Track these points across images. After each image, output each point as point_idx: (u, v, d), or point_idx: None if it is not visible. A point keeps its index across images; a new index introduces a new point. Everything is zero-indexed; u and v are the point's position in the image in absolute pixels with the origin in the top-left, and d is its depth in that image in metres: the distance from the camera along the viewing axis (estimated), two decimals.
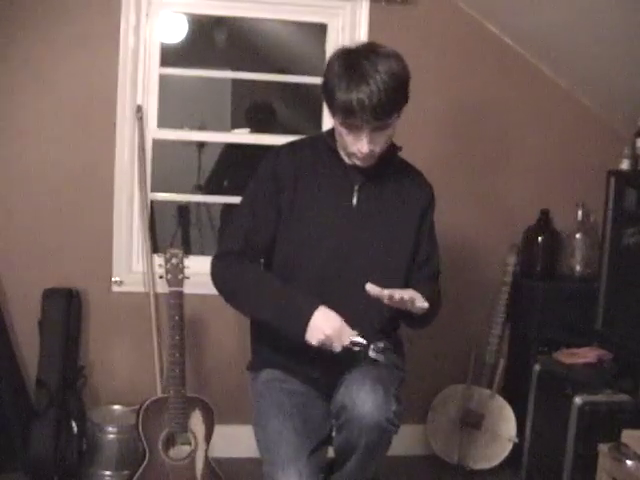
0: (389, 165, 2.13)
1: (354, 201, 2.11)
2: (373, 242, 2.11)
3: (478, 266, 3.33)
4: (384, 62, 1.92)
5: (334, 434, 2.03)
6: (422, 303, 1.97)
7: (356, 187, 2.11)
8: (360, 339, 1.92)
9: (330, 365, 2.06)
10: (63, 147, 3.02)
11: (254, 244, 2.10)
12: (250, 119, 4.57)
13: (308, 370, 2.12)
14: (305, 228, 2.08)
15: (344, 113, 1.94)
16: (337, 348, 1.91)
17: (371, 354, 1.92)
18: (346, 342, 1.91)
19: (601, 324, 3.11)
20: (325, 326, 1.90)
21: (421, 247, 2.19)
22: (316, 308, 1.93)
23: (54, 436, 2.81)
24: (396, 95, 1.93)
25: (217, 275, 2.11)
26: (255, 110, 4.54)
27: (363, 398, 1.89)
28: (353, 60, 1.94)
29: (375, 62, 1.91)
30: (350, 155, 2.06)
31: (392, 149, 2.12)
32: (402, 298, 1.91)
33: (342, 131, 2.00)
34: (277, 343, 2.13)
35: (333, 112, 2.00)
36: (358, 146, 1.99)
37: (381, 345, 1.93)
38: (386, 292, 1.91)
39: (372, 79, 1.89)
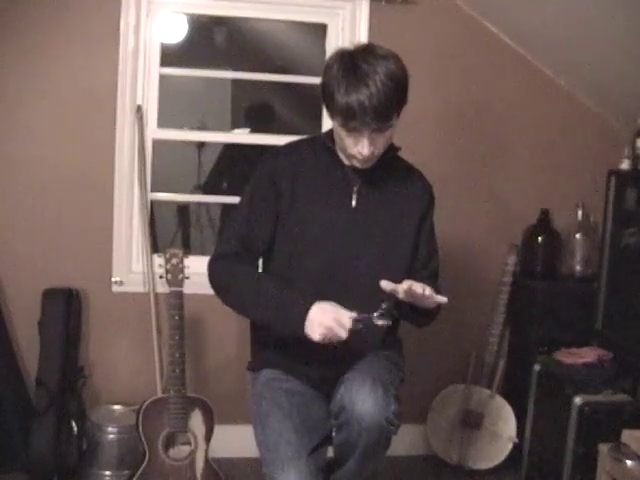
0: (388, 166, 2.13)
1: (353, 203, 2.10)
2: (373, 244, 2.10)
3: (478, 266, 3.33)
4: (382, 63, 1.92)
5: (334, 434, 2.03)
6: (442, 298, 1.95)
7: (355, 188, 2.10)
8: (360, 315, 1.89)
9: (330, 365, 2.06)
10: (63, 147, 3.02)
11: (251, 247, 2.10)
12: (250, 119, 4.57)
13: (308, 370, 2.12)
14: (304, 230, 2.08)
15: (344, 116, 1.94)
16: (343, 335, 1.88)
17: (377, 322, 1.91)
18: (348, 325, 1.88)
19: (601, 324, 3.11)
20: (323, 318, 1.89)
21: (421, 248, 2.18)
22: (311, 305, 1.92)
23: (54, 436, 2.81)
24: (395, 96, 1.93)
25: (213, 277, 2.11)
26: (255, 110, 4.54)
27: (363, 398, 1.89)
28: (351, 62, 1.93)
29: (373, 64, 1.91)
30: (350, 157, 2.05)
31: (391, 150, 2.12)
32: (423, 292, 1.89)
33: (342, 133, 1.99)
34: (277, 343, 2.13)
35: (332, 115, 1.99)
36: (358, 148, 1.98)
37: (383, 307, 1.90)
38: (403, 286, 1.89)
39: (371, 81, 1.89)
